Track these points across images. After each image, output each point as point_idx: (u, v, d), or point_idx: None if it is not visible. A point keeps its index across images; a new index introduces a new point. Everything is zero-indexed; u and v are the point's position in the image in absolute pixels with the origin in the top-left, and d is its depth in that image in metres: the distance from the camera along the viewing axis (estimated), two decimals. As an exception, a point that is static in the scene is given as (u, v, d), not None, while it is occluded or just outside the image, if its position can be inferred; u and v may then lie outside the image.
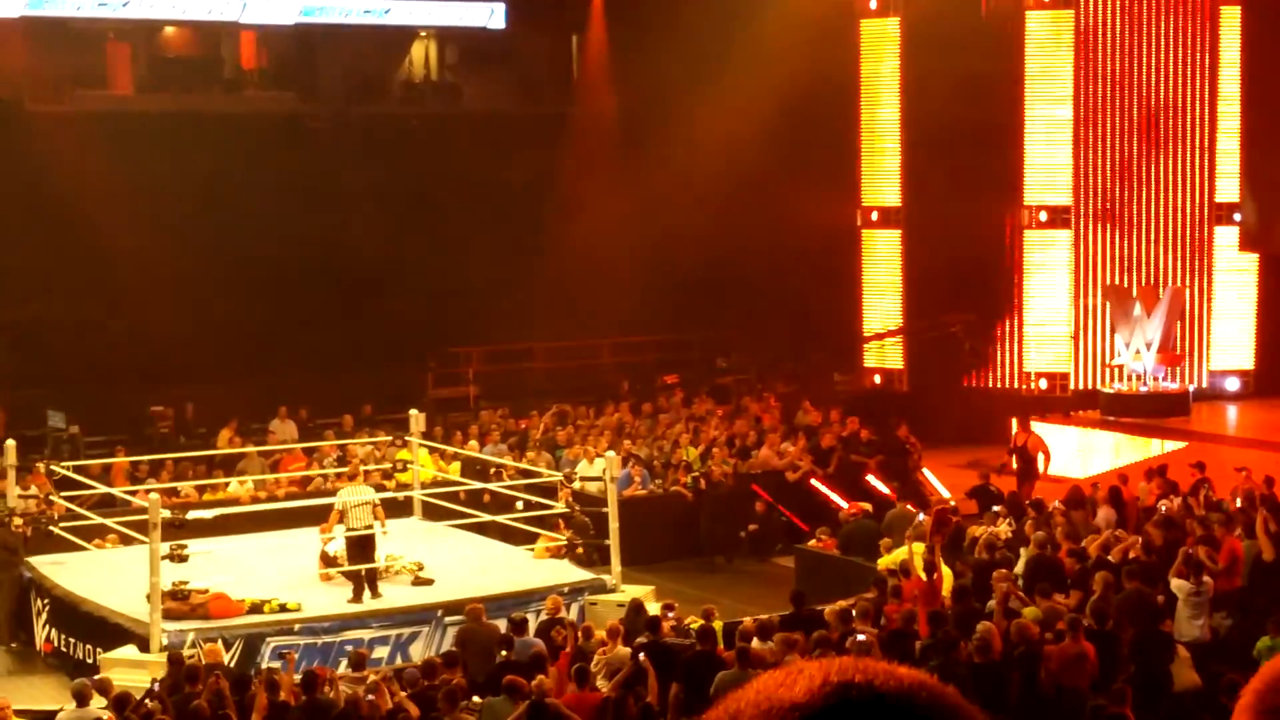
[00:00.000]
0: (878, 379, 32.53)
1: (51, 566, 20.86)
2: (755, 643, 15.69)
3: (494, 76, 38.86)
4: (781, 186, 32.36)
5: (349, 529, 19.69)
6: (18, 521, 21.41)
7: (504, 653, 16.11)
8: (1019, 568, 18.63)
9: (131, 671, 16.88)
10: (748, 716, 1.98)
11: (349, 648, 17.53)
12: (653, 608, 17.92)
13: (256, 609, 18.90)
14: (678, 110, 33.60)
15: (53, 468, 22.88)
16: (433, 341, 32.45)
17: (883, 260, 32.36)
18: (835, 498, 24.97)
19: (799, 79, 31.00)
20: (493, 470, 25.19)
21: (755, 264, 32.90)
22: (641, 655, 15.01)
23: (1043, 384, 30.92)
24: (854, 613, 16.76)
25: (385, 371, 30.69)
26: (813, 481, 25.78)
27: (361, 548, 19.62)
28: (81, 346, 29.87)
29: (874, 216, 32.31)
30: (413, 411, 24.31)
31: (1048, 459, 25.83)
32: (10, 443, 22.10)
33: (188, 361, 29.51)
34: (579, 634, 16.89)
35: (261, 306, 31.56)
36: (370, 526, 19.68)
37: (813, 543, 22.90)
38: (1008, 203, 31.13)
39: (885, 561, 19.89)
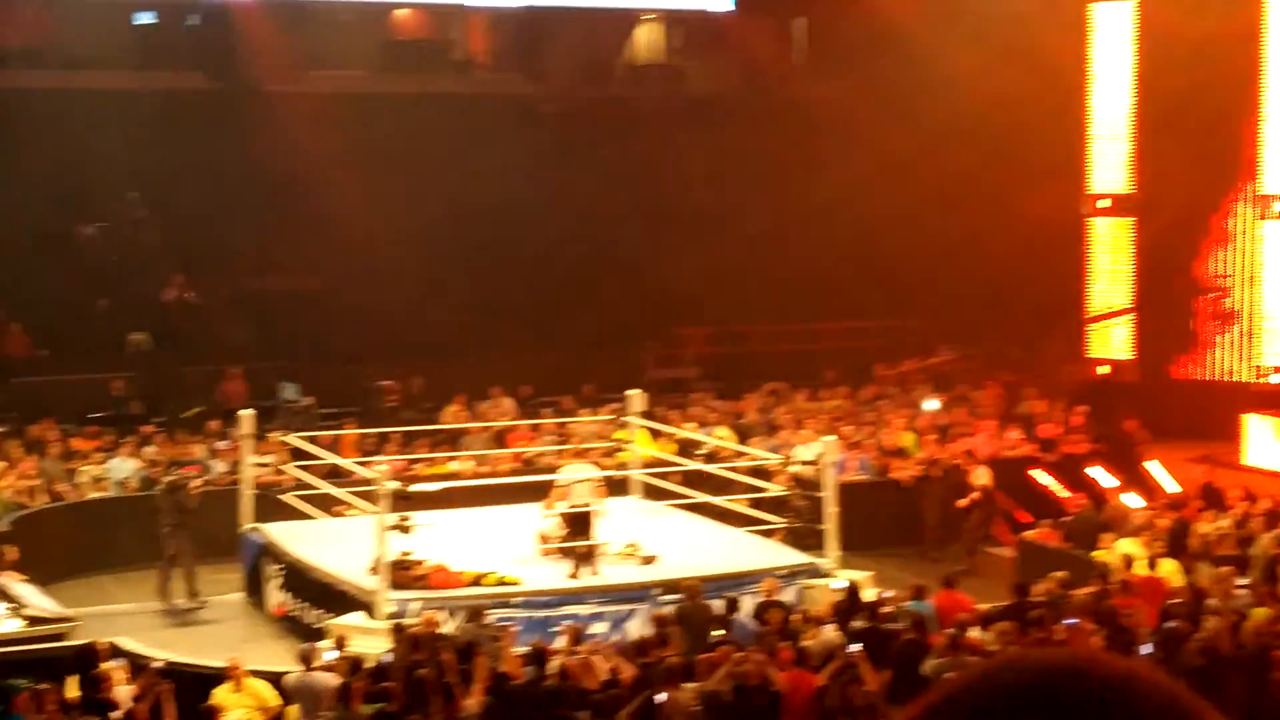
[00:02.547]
0: (1105, 369, 31.98)
1: (284, 533, 21.43)
2: (974, 631, 15.62)
3: (719, 60, 38.94)
4: (1007, 171, 31.99)
5: (570, 506, 19.93)
6: (196, 483, 22.49)
7: (719, 632, 16.20)
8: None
9: (359, 637, 17.30)
10: (967, 698, 1.97)
11: (566, 623, 17.74)
12: (869, 593, 17.90)
13: (477, 582, 19.22)
14: (901, 93, 33.43)
15: (286, 438, 23.51)
16: (654, 322, 32.64)
17: (1111, 248, 31.78)
18: (1057, 488, 24.68)
19: (1026, 62, 30.64)
20: (706, 452, 25.34)
21: (980, 250, 32.55)
22: (854, 646, 14.98)
23: (1275, 378, 30.11)
24: (1072, 604, 16.58)
25: (607, 351, 30.94)
26: (1034, 472, 25.51)
27: (581, 525, 19.85)
28: (315, 321, 30.58)
29: (1102, 204, 31.74)
30: (632, 391, 24.49)
31: None
32: (246, 413, 22.73)
33: (416, 337, 30.07)
34: (796, 617, 16.96)
35: (488, 285, 32.01)
36: (591, 504, 19.89)
37: (1034, 533, 22.69)
38: (1244, 191, 30.41)
39: (1107, 555, 19.66)
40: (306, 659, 15.27)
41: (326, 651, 15.93)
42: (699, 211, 33.83)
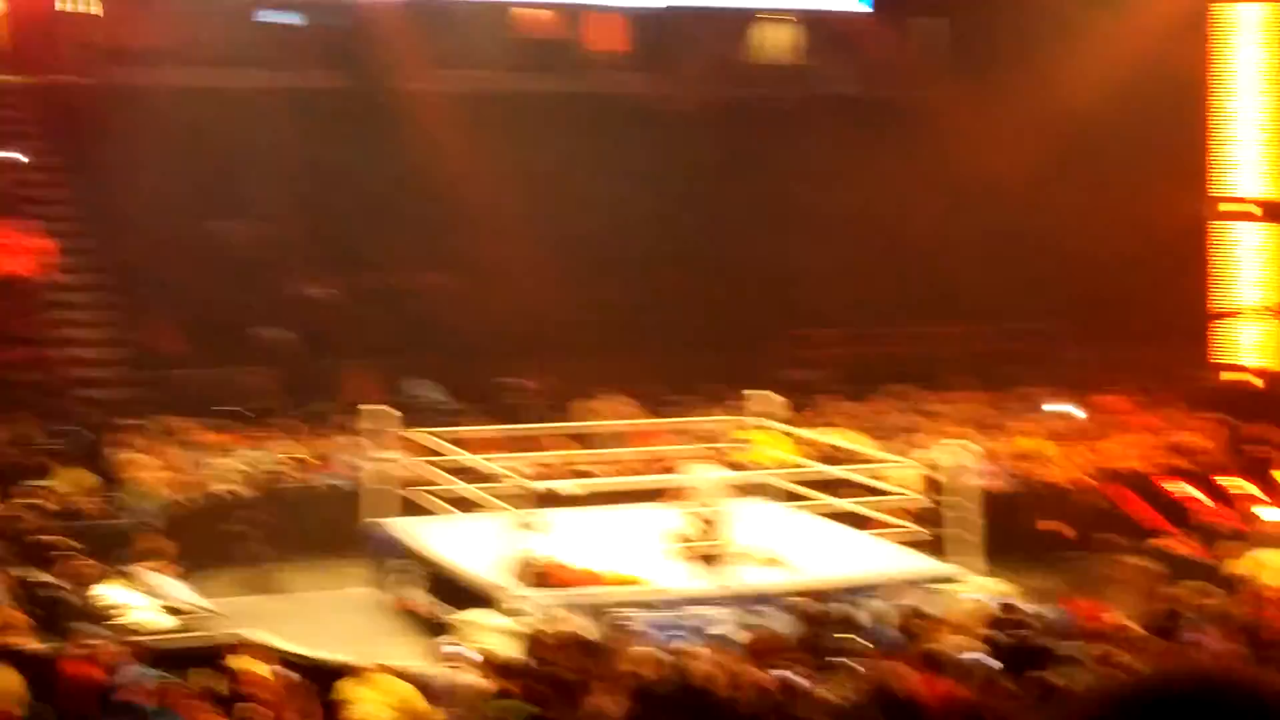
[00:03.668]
0: (1236, 376, 31.47)
1: (414, 529, 21.59)
2: (1110, 641, 15.45)
3: (854, 61, 38.78)
4: (1140, 173, 31.70)
5: (699, 507, 19.92)
6: (292, 472, 23.96)
7: (852, 638, 16.14)
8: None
9: (488, 635, 17.39)
10: (1110, 702, 1.98)
11: (696, 624, 17.73)
12: (1005, 601, 17.76)
13: (606, 582, 19.27)
14: (1031, 96, 33.22)
15: (417, 434, 23.68)
16: (784, 324, 32.54)
17: (1237, 253, 31.26)
18: (1199, 496, 24.33)
19: (1148, 65, 30.37)
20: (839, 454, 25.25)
21: (1114, 253, 32.20)
22: (983, 656, 14.86)
23: None
24: (1204, 615, 16.36)
25: (737, 352, 30.87)
26: (1172, 481, 25.18)
27: (711, 527, 19.84)
28: (449, 317, 30.71)
29: (1226, 208, 31.20)
30: (765, 393, 24.44)
31: None
32: (380, 408, 22.90)
33: (547, 335, 30.19)
34: (931, 624, 16.87)
35: (619, 284, 32.05)
36: (720, 506, 19.88)
37: (1169, 542, 22.40)
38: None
39: (1242, 565, 19.39)
40: (435, 655, 15.36)
41: (454, 648, 16.03)
42: (831, 212, 33.67)
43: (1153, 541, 23.15)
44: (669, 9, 36.44)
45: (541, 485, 19.82)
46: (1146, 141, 31.70)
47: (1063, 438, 26.32)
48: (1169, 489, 25.03)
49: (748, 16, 38.19)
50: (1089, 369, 32.20)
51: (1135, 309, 32.71)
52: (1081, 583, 18.36)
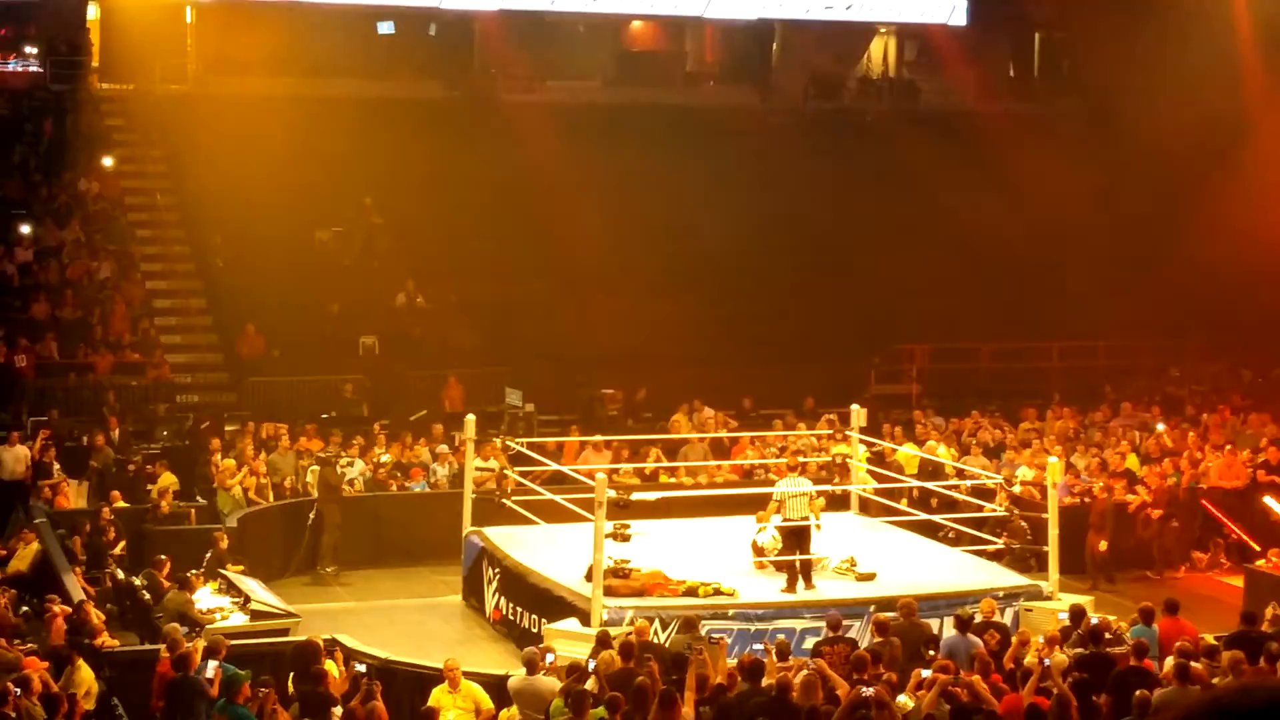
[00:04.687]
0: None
1: (503, 537, 21.64)
2: (1198, 660, 15.22)
3: (952, 73, 38.59)
4: (1241, 188, 31.31)
5: (785, 519, 19.84)
6: (344, 460, 24.00)
7: (931, 652, 16.02)
8: None
9: (573, 643, 17.39)
10: (1188, 717, 1.96)
11: (779, 636, 17.63)
12: (1091, 617, 17.54)
13: (693, 592, 19.23)
14: (1134, 108, 32.95)
15: (508, 443, 23.76)
16: (878, 337, 32.38)
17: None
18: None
19: (1258, 76, 30.05)
20: (930, 469, 25.12)
21: (1211, 270, 31.83)
22: (1062, 669, 14.70)
23: None
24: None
25: (830, 365, 30.74)
26: (1266, 499, 24.80)
27: (797, 539, 19.77)
28: (541, 328, 30.81)
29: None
30: (854, 406, 24.33)
31: None
32: (470, 417, 23.02)
33: (640, 347, 30.19)
34: (1011, 640, 16.70)
35: (714, 296, 31.98)
36: (806, 518, 19.79)
37: (1262, 563, 22.09)
38: None
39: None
40: (532, 663, 15.33)
41: (545, 656, 16.01)
42: (926, 226, 33.52)
43: (1247, 562, 22.87)
44: (767, 21, 36.40)
45: (623, 495, 19.78)
46: (1255, 154, 31.34)
47: (1157, 455, 25.98)
48: (1267, 507, 24.65)
49: (848, 29, 38.06)
50: (1191, 387, 31.80)
51: (1241, 325, 32.30)
52: (1168, 599, 18.03)
